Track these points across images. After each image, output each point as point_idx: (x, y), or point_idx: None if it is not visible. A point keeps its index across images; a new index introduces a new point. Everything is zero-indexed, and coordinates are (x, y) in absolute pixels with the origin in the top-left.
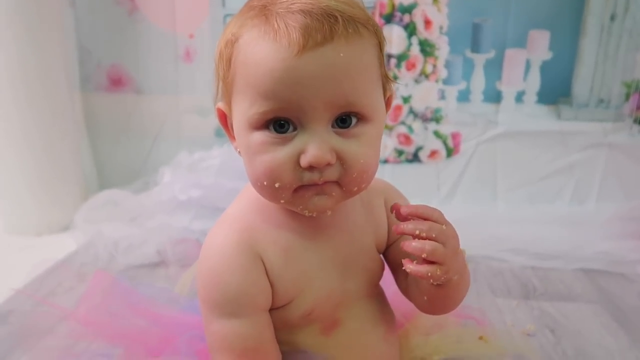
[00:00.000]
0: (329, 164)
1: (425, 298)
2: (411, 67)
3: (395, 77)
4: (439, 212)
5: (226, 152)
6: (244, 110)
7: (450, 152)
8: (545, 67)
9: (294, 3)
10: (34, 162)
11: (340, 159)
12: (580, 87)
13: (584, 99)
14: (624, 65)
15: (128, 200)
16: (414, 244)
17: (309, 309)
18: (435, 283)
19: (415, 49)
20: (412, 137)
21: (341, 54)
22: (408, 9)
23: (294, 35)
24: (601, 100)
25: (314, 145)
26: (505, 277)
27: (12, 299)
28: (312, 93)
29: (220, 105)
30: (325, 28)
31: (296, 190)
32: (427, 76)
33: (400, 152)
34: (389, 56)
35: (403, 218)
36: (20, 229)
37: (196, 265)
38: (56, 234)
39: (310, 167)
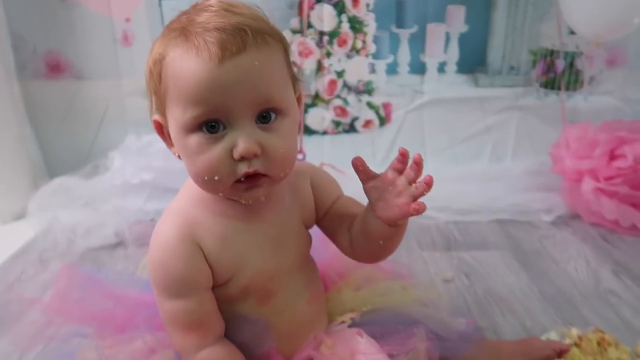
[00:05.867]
0: (255, 155)
1: (381, 242)
2: (343, 43)
3: (329, 53)
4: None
5: None
6: (178, 117)
7: (382, 121)
8: (462, 39)
9: (209, 22)
10: None
11: (264, 150)
12: (494, 56)
13: (497, 67)
14: (530, 35)
15: (80, 186)
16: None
17: (246, 283)
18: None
19: (345, 26)
20: (348, 109)
21: (255, 61)
22: None
23: (213, 49)
24: (512, 68)
25: (243, 139)
26: (432, 232)
27: None
28: (235, 94)
29: (156, 117)
30: (238, 40)
31: (232, 185)
32: (357, 51)
33: (337, 124)
34: (321, 33)
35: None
36: None
37: None
38: (9, 224)
39: (242, 158)
